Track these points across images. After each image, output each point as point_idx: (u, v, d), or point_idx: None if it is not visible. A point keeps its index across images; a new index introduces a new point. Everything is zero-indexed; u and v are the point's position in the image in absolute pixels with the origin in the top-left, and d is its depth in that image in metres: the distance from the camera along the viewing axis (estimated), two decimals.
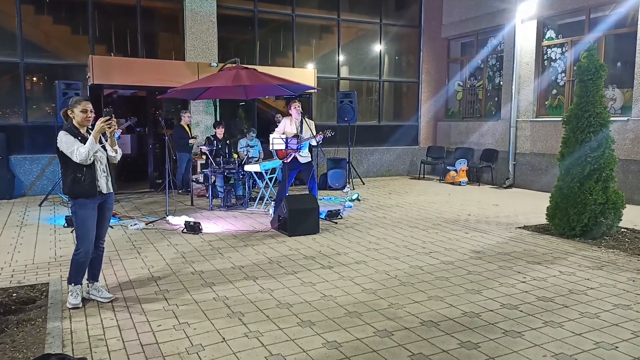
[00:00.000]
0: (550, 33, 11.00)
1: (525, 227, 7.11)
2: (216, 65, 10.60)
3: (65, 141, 3.90)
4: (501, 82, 12.12)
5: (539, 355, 3.23)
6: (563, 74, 10.68)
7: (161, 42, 11.64)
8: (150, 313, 3.96)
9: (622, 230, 6.71)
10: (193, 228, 6.72)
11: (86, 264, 4.15)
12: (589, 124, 6.29)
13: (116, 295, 4.34)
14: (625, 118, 9.19)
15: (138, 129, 11.52)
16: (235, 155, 9.49)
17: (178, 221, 7.22)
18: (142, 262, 5.41)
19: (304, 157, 7.55)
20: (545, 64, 11.10)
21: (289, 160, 7.48)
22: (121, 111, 12.21)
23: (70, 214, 4.21)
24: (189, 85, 8.54)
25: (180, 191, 10.12)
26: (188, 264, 5.34)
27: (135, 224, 7.09)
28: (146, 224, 7.21)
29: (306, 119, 7.70)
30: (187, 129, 10.18)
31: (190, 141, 10.01)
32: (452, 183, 12.04)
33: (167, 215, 7.58)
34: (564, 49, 10.68)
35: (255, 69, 8.58)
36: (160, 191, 10.20)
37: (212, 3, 11.05)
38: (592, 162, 6.24)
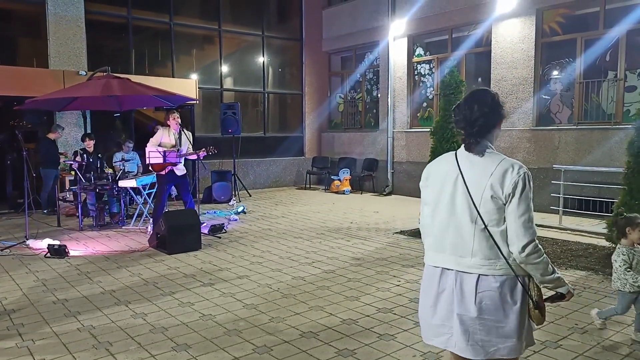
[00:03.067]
0: (419, 50, 11.87)
1: (401, 232, 7.52)
2: (85, 73, 9.83)
3: None
4: (379, 95, 12.80)
5: (409, 356, 3.39)
6: (432, 89, 11.56)
7: (20, 48, 10.54)
8: None
9: None
10: (58, 252, 6.10)
11: None
12: (453, 135, 6.85)
13: None
14: None
15: None
16: (110, 170, 8.85)
17: (40, 245, 6.51)
18: None
19: (180, 169, 7.27)
20: (416, 79, 11.95)
21: (164, 172, 7.14)
22: None
23: None
24: (52, 95, 7.80)
25: (45, 211, 9.17)
26: (50, 292, 4.82)
27: None
28: (1, 250, 6.40)
29: (185, 131, 7.43)
30: (55, 143, 9.29)
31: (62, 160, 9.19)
32: (337, 192, 12.40)
33: (27, 239, 6.80)
34: (431, 65, 11.58)
35: (128, 79, 8.09)
36: (21, 212, 9.15)
37: (80, 7, 10.25)
38: None
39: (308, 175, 13.51)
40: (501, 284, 1.98)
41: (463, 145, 2.12)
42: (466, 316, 2.00)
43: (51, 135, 9.26)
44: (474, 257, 2.01)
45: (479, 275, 2.00)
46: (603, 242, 6.17)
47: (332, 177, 12.87)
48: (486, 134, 2.07)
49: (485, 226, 2.00)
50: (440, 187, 2.12)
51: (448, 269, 2.07)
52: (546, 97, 9.47)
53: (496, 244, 1.99)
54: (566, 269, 5.46)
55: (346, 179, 12.53)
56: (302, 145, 14.25)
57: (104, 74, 8.21)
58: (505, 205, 1.98)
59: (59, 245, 6.19)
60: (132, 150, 9.88)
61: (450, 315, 2.05)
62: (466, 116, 2.07)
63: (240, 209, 9.44)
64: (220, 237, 7.21)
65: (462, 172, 2.06)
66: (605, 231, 5.82)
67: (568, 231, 7.38)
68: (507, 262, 1.99)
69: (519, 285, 2.00)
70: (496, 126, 2.09)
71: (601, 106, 8.78)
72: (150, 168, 7.37)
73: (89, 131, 10.07)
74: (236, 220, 8.64)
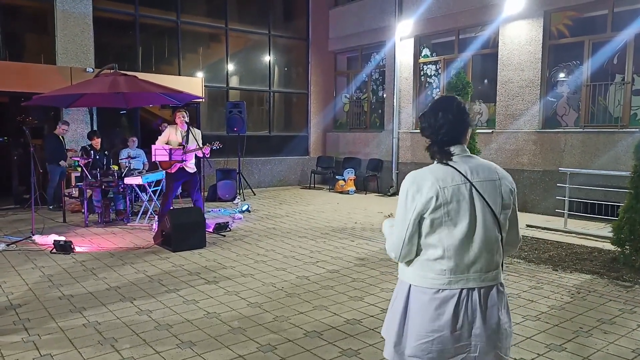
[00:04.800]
0: (425, 51, 11.85)
1: None
2: (92, 70, 9.87)
3: None
4: (384, 96, 12.79)
5: None
6: (438, 90, 11.54)
7: (28, 44, 10.59)
8: (5, 347, 3.51)
9: None
10: (63, 247, 6.13)
11: None
12: None
13: None
14: (490, 130, 10.16)
15: (1, 139, 10.32)
16: (116, 167, 8.88)
17: (46, 240, 6.54)
18: None
19: (190, 167, 7.27)
20: (422, 80, 11.93)
21: (174, 170, 7.15)
22: None
23: None
24: (59, 91, 7.83)
25: (51, 207, 9.21)
26: (55, 287, 4.84)
27: None
28: (7, 245, 6.44)
29: (192, 129, 7.43)
30: (62, 139, 9.33)
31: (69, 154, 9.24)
32: (341, 192, 12.40)
33: (33, 235, 6.84)
34: (437, 66, 11.56)
35: (135, 76, 8.11)
36: (27, 207, 9.20)
37: (88, 4, 10.29)
38: None
39: (313, 174, 13.51)
40: (504, 287, 2.00)
41: (432, 155, 2.01)
42: (491, 327, 1.91)
43: (57, 131, 9.31)
44: (496, 268, 1.95)
45: (497, 285, 1.95)
46: (608, 246, 6.14)
47: (336, 177, 12.87)
48: (456, 142, 1.98)
49: (502, 236, 1.95)
50: (455, 201, 1.89)
51: (470, 289, 1.90)
52: (553, 99, 9.44)
53: (502, 249, 1.98)
54: (571, 272, 5.45)
55: (351, 179, 12.53)
56: (307, 144, 14.26)
57: (111, 71, 8.24)
58: (511, 207, 1.99)
59: (65, 241, 6.22)
60: (138, 147, 9.91)
61: (469, 332, 1.91)
62: (431, 123, 1.98)
63: (244, 208, 9.45)
64: (224, 236, 7.23)
65: (475, 185, 1.91)
66: (610, 235, 5.80)
67: (573, 234, 7.35)
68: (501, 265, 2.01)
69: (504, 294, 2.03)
70: (465, 134, 1.99)
71: (608, 109, 8.75)
72: (159, 167, 7.38)
73: (95, 128, 10.13)
74: (241, 218, 8.65)
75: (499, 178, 1.97)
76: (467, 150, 2.02)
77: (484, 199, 1.91)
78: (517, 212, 2.03)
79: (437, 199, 1.88)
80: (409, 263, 2.00)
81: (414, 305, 1.96)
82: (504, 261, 2.01)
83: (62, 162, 9.04)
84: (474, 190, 1.91)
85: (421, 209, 1.90)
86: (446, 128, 1.95)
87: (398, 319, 2.01)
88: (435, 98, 2.15)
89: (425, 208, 1.90)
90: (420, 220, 1.92)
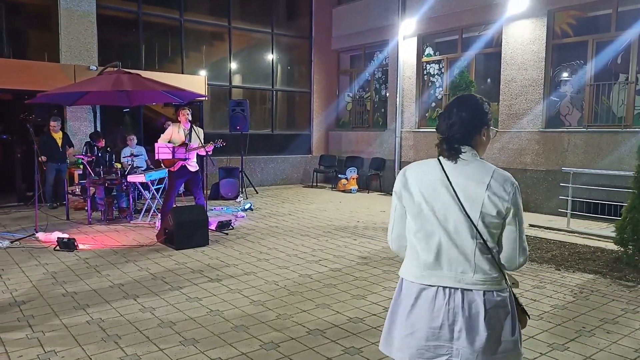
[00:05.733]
0: (429, 50, 11.84)
1: None
2: (96, 68, 9.89)
3: None
4: (387, 95, 12.78)
5: None
6: (441, 89, 11.52)
7: (32, 42, 10.61)
8: (10, 343, 3.53)
9: None
10: (67, 245, 6.16)
11: None
12: None
13: None
14: (494, 130, 10.13)
15: (5, 136, 10.35)
16: (119, 165, 8.90)
17: (50, 238, 6.57)
18: (3, 285, 4.83)
19: (192, 166, 7.29)
20: (425, 79, 11.92)
21: (176, 168, 7.17)
22: None
23: None
24: (63, 89, 7.85)
25: (48, 204, 9.20)
26: (59, 285, 4.86)
27: None
28: (11, 242, 6.47)
29: (195, 128, 7.44)
30: (56, 137, 9.27)
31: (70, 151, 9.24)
32: (344, 191, 12.41)
33: (36, 232, 6.87)
34: (441, 65, 11.54)
35: (138, 74, 8.13)
36: (30, 205, 9.23)
37: (92, 2, 10.30)
38: None
39: (315, 173, 13.52)
40: (502, 298, 1.90)
41: (441, 152, 1.96)
42: (476, 336, 1.85)
43: (52, 130, 9.24)
44: (477, 273, 1.87)
45: (484, 291, 1.87)
46: (611, 246, 6.13)
47: (339, 175, 12.87)
48: (467, 141, 1.93)
49: (485, 241, 1.87)
50: (429, 198, 1.90)
51: (448, 287, 1.88)
52: (556, 99, 9.42)
53: (494, 258, 1.90)
54: (574, 272, 5.45)
55: (353, 178, 12.53)
56: (309, 143, 14.26)
57: (115, 69, 8.26)
58: (502, 220, 1.88)
59: (68, 239, 6.25)
60: (139, 145, 9.92)
61: (451, 335, 1.87)
62: (445, 120, 1.95)
63: (247, 206, 9.46)
64: (227, 234, 7.24)
65: (451, 183, 1.89)
66: (613, 235, 5.79)
67: (576, 234, 7.34)
68: (503, 275, 1.93)
69: (510, 294, 1.95)
70: (478, 133, 1.95)
71: (611, 109, 8.73)
72: (162, 164, 7.40)
73: (98, 126, 10.14)
74: (243, 217, 8.66)
75: (488, 183, 1.86)
76: (477, 155, 1.95)
77: (458, 199, 1.87)
78: (517, 232, 1.89)
79: (412, 192, 1.94)
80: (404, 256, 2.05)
81: (401, 298, 2.00)
82: (506, 272, 1.94)
83: (42, 158, 8.52)
84: (450, 188, 1.89)
85: (399, 202, 1.99)
86: (458, 125, 1.92)
87: (390, 310, 2.04)
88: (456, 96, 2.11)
89: (404, 201, 1.97)
90: (404, 212, 1.99)
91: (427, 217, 1.91)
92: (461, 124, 1.92)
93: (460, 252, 1.88)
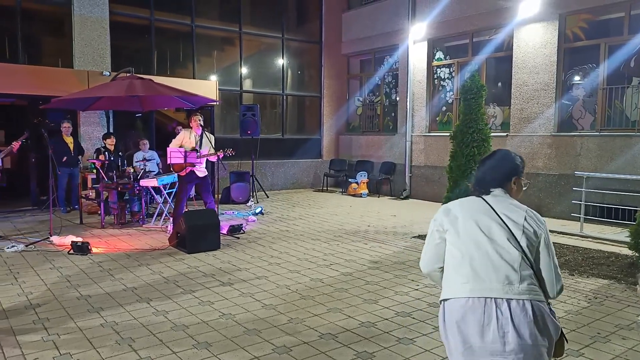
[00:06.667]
0: (439, 54, 11.82)
1: (419, 237, 7.49)
2: (109, 74, 10.00)
3: None
4: (397, 99, 12.78)
5: None
6: (451, 93, 11.50)
7: (46, 48, 10.77)
8: (26, 345, 3.58)
9: None
10: (81, 248, 6.22)
11: None
12: (473, 139, 6.81)
13: None
14: (505, 133, 10.10)
15: (22, 141, 10.47)
16: (131, 169, 8.98)
17: (64, 241, 6.64)
18: (19, 288, 4.89)
19: (201, 171, 7.35)
20: (436, 83, 11.90)
21: (185, 173, 7.22)
22: (0, 122, 11.10)
23: None
24: (77, 94, 7.96)
25: (62, 209, 9.31)
26: (73, 288, 4.92)
27: (13, 246, 6.42)
28: (26, 246, 6.55)
29: (207, 133, 7.50)
30: (68, 141, 9.38)
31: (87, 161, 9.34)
32: (354, 195, 12.40)
33: (51, 236, 6.95)
34: (451, 69, 11.52)
35: (151, 79, 8.21)
36: (44, 209, 9.34)
37: (104, 8, 10.44)
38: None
39: (325, 177, 13.54)
40: (544, 311, 2.02)
41: (474, 192, 2.24)
42: (524, 343, 1.95)
43: (63, 134, 9.35)
44: (522, 283, 2.00)
45: (530, 300, 1.99)
46: (626, 251, 6.07)
47: (349, 180, 12.87)
48: (499, 186, 2.19)
49: (527, 255, 2.04)
50: (473, 223, 2.11)
51: (496, 298, 1.99)
52: (568, 102, 9.36)
53: (535, 272, 2.04)
54: (588, 277, 5.40)
55: (363, 182, 12.53)
56: (319, 147, 14.29)
57: (128, 74, 8.35)
58: (538, 241, 2.08)
59: (82, 242, 6.31)
60: (151, 149, 10.01)
61: (503, 347, 1.96)
62: (481, 167, 2.27)
63: (258, 210, 9.50)
64: (238, 238, 7.27)
65: (494, 209, 2.12)
66: (628, 239, 5.73)
67: (589, 239, 7.28)
68: (544, 292, 2.06)
69: (550, 313, 2.06)
70: (509, 181, 2.19)
71: (625, 113, 8.64)
72: (171, 169, 7.46)
73: (111, 131, 10.24)
74: (254, 221, 8.70)
75: (524, 214, 2.11)
76: (508, 194, 2.19)
77: (502, 219, 2.09)
78: (551, 260, 2.08)
79: (457, 215, 2.16)
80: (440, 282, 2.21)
81: (448, 319, 2.09)
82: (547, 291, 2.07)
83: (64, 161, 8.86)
84: (493, 212, 2.12)
85: (438, 230, 2.19)
86: (491, 172, 2.22)
87: (443, 339, 2.14)
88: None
89: (446, 225, 2.16)
90: (441, 242, 2.18)
91: (474, 235, 2.08)
92: (494, 171, 2.22)
93: (507, 264, 2.02)
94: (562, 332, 2.11)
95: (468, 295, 2.02)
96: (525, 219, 2.09)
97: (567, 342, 2.17)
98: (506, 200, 2.16)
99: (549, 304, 2.08)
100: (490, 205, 2.14)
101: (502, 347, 1.96)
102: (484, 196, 2.18)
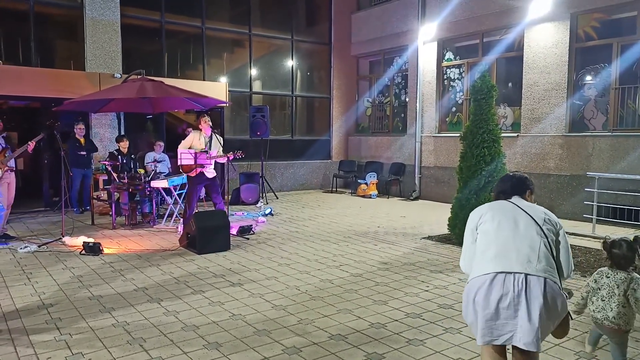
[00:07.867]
0: (449, 54, 11.78)
1: (429, 238, 7.46)
2: (120, 76, 10.10)
3: None
4: (407, 99, 12.75)
5: None
6: (461, 93, 11.45)
7: (58, 51, 10.90)
8: (38, 345, 3.62)
9: None
10: (92, 249, 6.28)
11: None
12: (483, 140, 6.77)
13: None
14: (515, 134, 10.03)
15: (41, 142, 10.61)
16: (142, 171, 9.05)
17: (76, 242, 6.71)
18: (32, 288, 4.95)
19: (210, 172, 7.38)
20: (446, 84, 11.85)
21: (194, 174, 7.27)
22: (14, 124, 11.22)
23: None
24: (89, 96, 8.04)
25: (75, 209, 9.41)
26: (85, 288, 4.97)
27: (25, 247, 6.50)
28: (38, 247, 6.63)
29: (216, 135, 7.54)
30: (81, 142, 9.49)
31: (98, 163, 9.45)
32: (363, 196, 12.39)
33: (63, 236, 7.03)
34: (461, 70, 11.47)
35: (162, 81, 8.28)
36: (56, 210, 9.45)
37: (116, 11, 10.55)
38: (487, 175, 6.72)
39: (335, 178, 13.54)
40: (559, 289, 2.38)
41: (501, 197, 2.77)
42: (535, 314, 2.30)
43: (77, 135, 9.45)
44: (540, 262, 2.38)
45: (545, 278, 2.35)
46: None
47: (358, 180, 12.86)
48: (518, 195, 2.72)
49: (548, 240, 2.45)
50: (501, 215, 2.57)
51: (515, 272, 2.36)
52: (580, 102, 9.27)
53: (553, 257, 2.44)
54: None
55: (373, 183, 12.51)
56: (329, 148, 14.30)
57: (139, 76, 8.42)
58: (557, 232, 2.52)
59: (94, 243, 6.37)
60: (163, 152, 10.08)
61: (515, 314, 2.33)
62: (502, 182, 2.85)
63: (267, 211, 9.52)
64: (248, 239, 7.30)
65: (518, 205, 2.61)
66: None
67: (602, 240, 7.18)
68: (559, 274, 2.45)
69: (563, 295, 2.42)
70: (524, 193, 2.74)
71: (637, 113, 8.55)
72: (180, 170, 7.51)
73: (122, 132, 10.34)
74: (264, 222, 8.72)
75: (544, 211, 2.58)
76: (525, 200, 2.71)
77: (526, 212, 2.55)
78: (567, 246, 2.53)
79: (488, 213, 2.63)
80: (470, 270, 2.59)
81: (470, 290, 2.49)
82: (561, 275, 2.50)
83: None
84: (517, 207, 2.60)
85: (473, 230, 2.65)
86: (510, 185, 2.78)
87: (465, 309, 2.55)
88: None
89: (481, 220, 2.63)
90: (474, 235, 2.64)
91: (501, 225, 2.52)
92: (514, 186, 2.76)
93: (529, 245, 2.42)
94: (568, 313, 2.48)
95: (492, 270, 2.40)
96: (544, 213, 2.56)
97: (571, 318, 2.58)
98: (526, 202, 2.67)
99: (566, 294, 2.46)
100: (515, 204, 2.62)
101: (514, 314, 2.33)
102: (507, 200, 2.69)
